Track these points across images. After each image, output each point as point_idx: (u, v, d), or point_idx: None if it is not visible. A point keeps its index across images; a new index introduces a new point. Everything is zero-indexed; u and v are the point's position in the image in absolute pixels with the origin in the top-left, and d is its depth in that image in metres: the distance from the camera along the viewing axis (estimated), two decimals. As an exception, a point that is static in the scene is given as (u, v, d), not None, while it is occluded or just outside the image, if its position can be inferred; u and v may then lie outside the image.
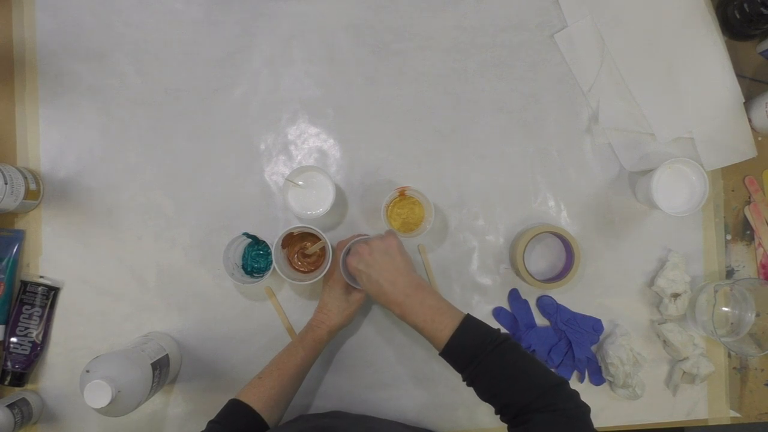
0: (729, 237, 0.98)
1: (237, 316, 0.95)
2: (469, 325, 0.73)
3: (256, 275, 0.93)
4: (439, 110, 0.97)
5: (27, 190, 0.89)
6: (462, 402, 0.95)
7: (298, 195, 0.90)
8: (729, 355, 0.98)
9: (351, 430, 0.74)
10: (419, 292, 0.76)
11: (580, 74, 0.98)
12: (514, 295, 0.97)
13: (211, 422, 0.76)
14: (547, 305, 0.96)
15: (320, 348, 0.86)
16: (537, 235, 0.92)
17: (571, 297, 0.97)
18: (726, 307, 0.97)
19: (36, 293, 0.92)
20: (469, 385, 0.73)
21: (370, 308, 0.96)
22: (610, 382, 0.95)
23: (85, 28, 0.96)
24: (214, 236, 0.95)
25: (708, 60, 0.97)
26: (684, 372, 0.95)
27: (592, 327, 0.96)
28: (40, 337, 0.92)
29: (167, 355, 0.88)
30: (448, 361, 0.74)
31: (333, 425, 0.77)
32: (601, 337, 0.96)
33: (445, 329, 0.73)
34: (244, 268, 0.93)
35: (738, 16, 0.93)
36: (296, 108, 0.97)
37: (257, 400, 0.79)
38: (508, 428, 0.68)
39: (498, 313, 0.97)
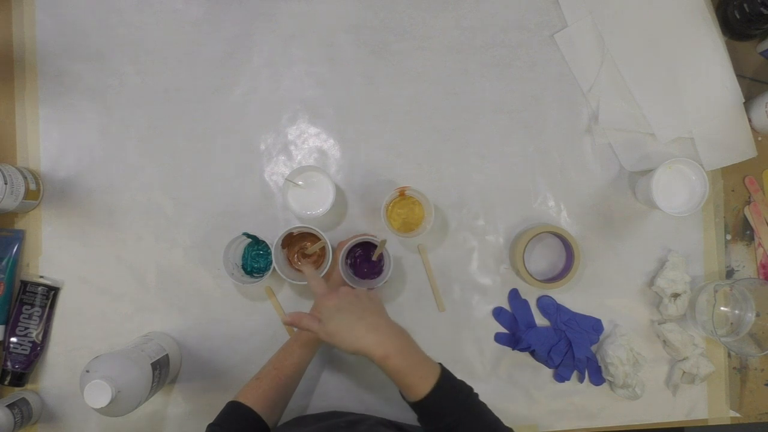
0: (729, 237, 0.98)
1: (237, 316, 0.95)
2: (446, 380, 0.70)
3: (256, 275, 0.93)
4: (439, 110, 0.97)
5: (27, 190, 0.89)
6: (462, 402, 0.95)
7: (298, 195, 0.90)
8: (729, 355, 0.98)
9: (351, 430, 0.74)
10: (400, 339, 0.71)
11: (580, 74, 0.98)
12: (514, 295, 0.97)
13: (210, 425, 0.76)
14: (547, 305, 0.96)
15: (316, 346, 0.86)
16: (537, 235, 0.92)
17: (571, 297, 0.97)
18: (726, 307, 0.97)
19: (36, 293, 0.92)
20: None
21: (370, 308, 0.96)
22: (610, 382, 0.95)
23: (85, 28, 0.96)
24: (214, 236, 0.95)
25: (708, 60, 0.97)
26: (684, 372, 0.95)
27: (592, 327, 0.96)
28: (40, 337, 0.92)
29: (167, 355, 0.88)
30: (417, 413, 0.70)
31: (333, 426, 0.77)
32: (601, 337, 0.96)
33: (424, 383, 0.68)
34: (244, 268, 0.93)
35: (738, 16, 0.93)
36: (296, 108, 0.97)
37: (256, 402, 0.78)
38: None
39: (498, 313, 0.97)
